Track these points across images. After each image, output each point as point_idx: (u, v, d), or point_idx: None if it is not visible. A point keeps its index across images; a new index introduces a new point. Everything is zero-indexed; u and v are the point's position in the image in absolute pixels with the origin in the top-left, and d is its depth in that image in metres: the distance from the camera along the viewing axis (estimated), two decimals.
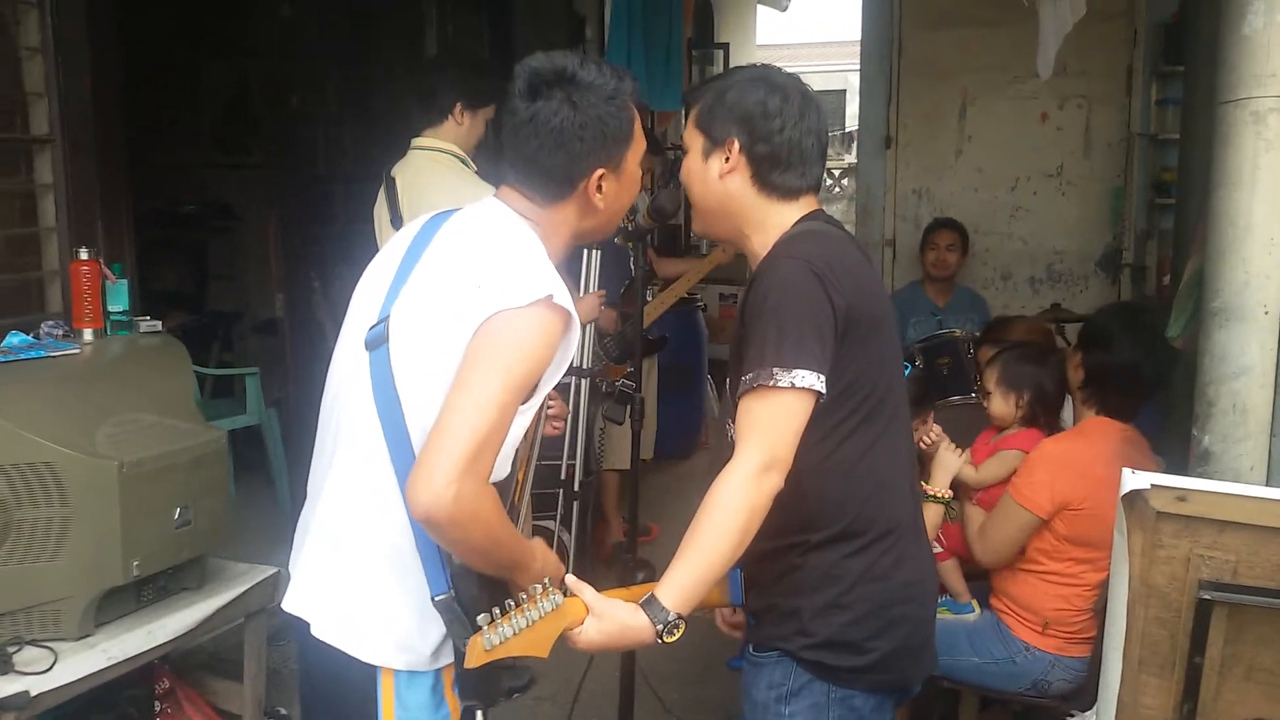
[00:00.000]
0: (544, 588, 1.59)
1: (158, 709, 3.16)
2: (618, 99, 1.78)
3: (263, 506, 5.13)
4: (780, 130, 1.86)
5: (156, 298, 5.61)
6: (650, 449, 5.17)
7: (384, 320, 1.76)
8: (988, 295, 5.42)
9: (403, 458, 1.69)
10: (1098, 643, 2.50)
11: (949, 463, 2.97)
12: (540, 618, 1.56)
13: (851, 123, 15.12)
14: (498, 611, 1.54)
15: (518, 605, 1.56)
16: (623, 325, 4.57)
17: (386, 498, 1.73)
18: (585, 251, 4.28)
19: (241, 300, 6.74)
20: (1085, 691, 2.68)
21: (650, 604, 1.66)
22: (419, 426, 1.68)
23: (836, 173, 15.22)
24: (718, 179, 1.90)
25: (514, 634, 1.53)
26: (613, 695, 2.81)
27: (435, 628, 1.74)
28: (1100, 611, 2.42)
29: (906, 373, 4.09)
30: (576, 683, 3.07)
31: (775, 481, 1.69)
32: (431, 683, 1.78)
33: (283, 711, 3.41)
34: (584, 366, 4.37)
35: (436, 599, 1.70)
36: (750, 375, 1.71)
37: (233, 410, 5.30)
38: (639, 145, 1.86)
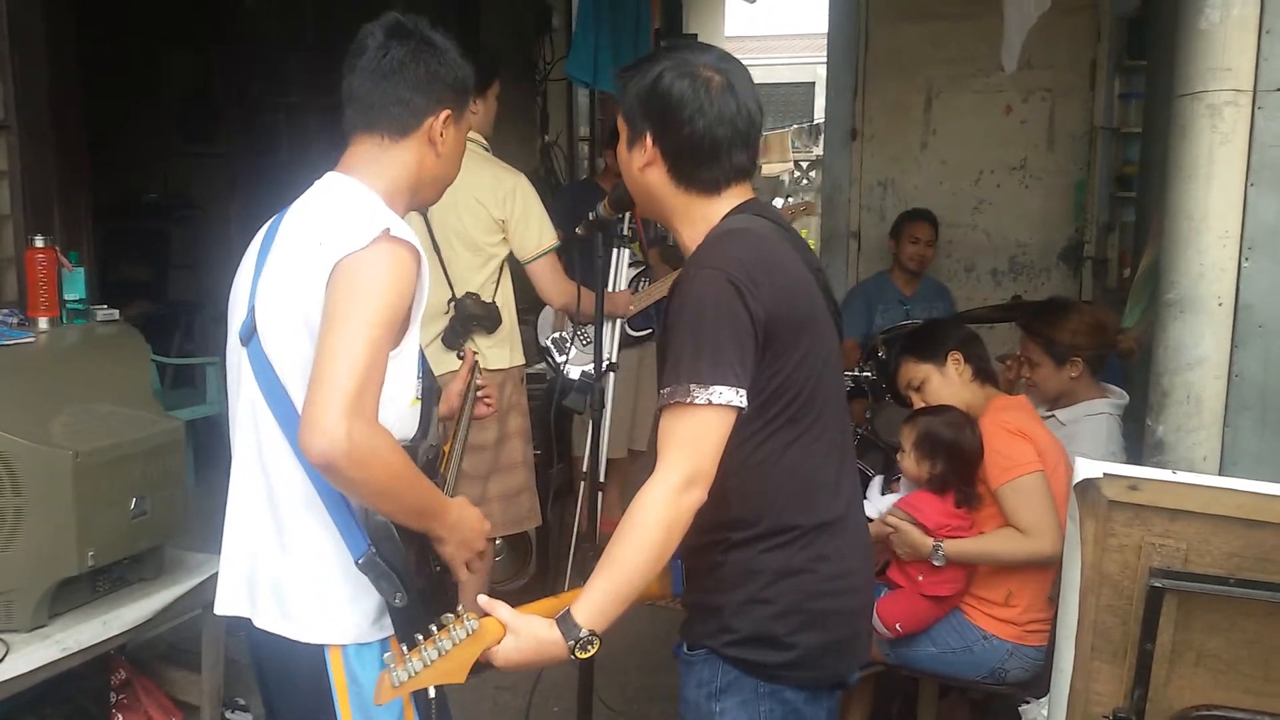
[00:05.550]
0: (458, 615, 1.59)
1: (114, 700, 3.13)
2: (463, 57, 1.86)
3: (222, 496, 5.07)
4: (690, 121, 1.76)
5: (118, 287, 5.56)
6: (625, 442, 5.14)
7: (250, 311, 1.78)
8: (951, 287, 5.44)
9: (296, 436, 1.66)
10: (1053, 632, 2.52)
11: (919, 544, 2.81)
12: (453, 646, 1.56)
13: (820, 115, 15.15)
14: (405, 648, 1.55)
15: (428, 638, 1.55)
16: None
17: (290, 479, 1.74)
18: (615, 250, 4.27)
19: (203, 289, 6.67)
20: (1041, 679, 2.70)
21: (564, 620, 1.64)
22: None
23: (805, 165, 15.27)
24: (639, 171, 1.85)
25: (424, 666, 1.53)
26: (573, 684, 2.80)
27: (368, 593, 1.74)
28: (1055, 600, 2.44)
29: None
30: (535, 672, 3.05)
31: (698, 496, 1.66)
32: (380, 653, 1.77)
33: (241, 702, 3.39)
34: (614, 361, 4.27)
35: (359, 561, 1.70)
36: (668, 390, 1.67)
37: (193, 400, 5.27)
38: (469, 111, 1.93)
